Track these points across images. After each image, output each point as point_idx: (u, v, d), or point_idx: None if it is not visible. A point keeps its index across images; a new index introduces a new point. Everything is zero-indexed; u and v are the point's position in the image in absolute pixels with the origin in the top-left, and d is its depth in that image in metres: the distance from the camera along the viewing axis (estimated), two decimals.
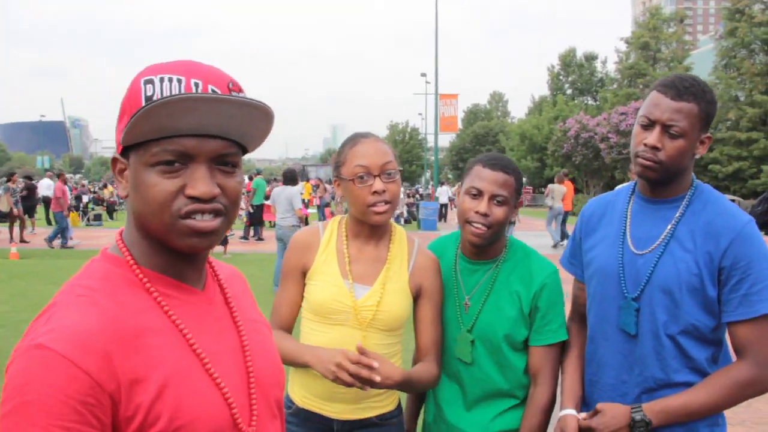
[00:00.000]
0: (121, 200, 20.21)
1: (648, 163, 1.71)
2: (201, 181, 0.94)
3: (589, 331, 1.93)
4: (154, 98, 0.93)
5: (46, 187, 20.76)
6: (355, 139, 1.92)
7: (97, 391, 0.85)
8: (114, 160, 1.02)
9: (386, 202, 1.84)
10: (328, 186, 23.26)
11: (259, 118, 0.97)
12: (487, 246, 1.95)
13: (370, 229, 1.91)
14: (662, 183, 1.77)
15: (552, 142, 36.19)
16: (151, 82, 0.95)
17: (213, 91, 0.95)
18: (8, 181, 17.85)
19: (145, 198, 0.95)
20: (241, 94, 0.98)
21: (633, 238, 1.81)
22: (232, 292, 1.14)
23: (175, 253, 0.99)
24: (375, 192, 1.82)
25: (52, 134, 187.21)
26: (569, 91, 49.15)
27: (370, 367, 1.68)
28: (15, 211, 15.95)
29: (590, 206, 2.03)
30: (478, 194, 1.90)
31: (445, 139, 65.26)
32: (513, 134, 47.75)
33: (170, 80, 0.95)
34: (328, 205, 21.83)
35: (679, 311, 1.71)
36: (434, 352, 1.94)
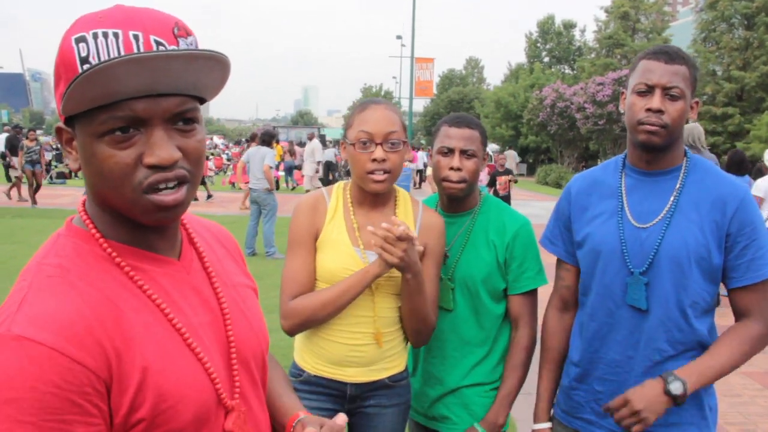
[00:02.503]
0: None
1: (654, 128, 1.71)
2: (159, 147, 0.86)
3: (588, 309, 1.91)
4: (90, 59, 0.84)
5: (3, 142, 19.78)
6: (364, 104, 1.92)
7: (93, 380, 0.81)
8: (58, 129, 0.92)
9: (385, 172, 1.85)
10: (297, 148, 22.76)
11: (214, 67, 0.88)
12: (463, 198, 2.08)
13: (373, 195, 1.92)
14: (664, 150, 1.77)
15: (527, 111, 35.82)
16: (83, 40, 0.84)
17: (157, 43, 0.86)
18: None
19: (100, 172, 0.87)
20: (189, 39, 0.90)
21: (633, 212, 1.81)
22: (213, 255, 1.08)
23: (142, 225, 0.92)
24: (374, 159, 1.83)
25: (10, 87, 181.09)
26: (546, 59, 48.76)
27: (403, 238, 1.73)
28: (26, 171, 14.75)
29: (576, 184, 2.01)
30: (449, 152, 2.03)
31: (419, 104, 64.62)
32: (488, 101, 47.28)
33: (105, 36, 0.84)
34: (298, 167, 21.34)
35: (687, 282, 1.73)
36: (433, 308, 1.97)
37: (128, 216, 0.91)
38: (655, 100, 1.71)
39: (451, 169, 2.01)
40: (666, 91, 1.71)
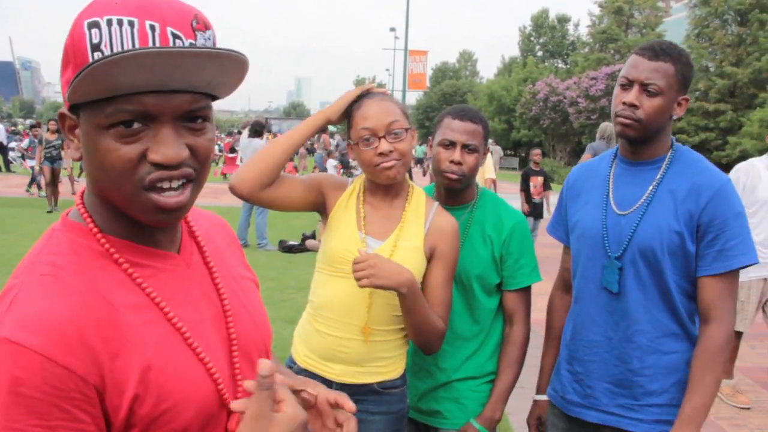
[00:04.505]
0: None
1: (627, 121, 1.78)
2: (166, 145, 0.82)
3: (574, 291, 2.01)
4: (102, 47, 0.79)
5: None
6: (360, 101, 1.89)
7: (81, 385, 0.77)
8: (62, 115, 0.88)
9: (395, 159, 1.82)
10: None
11: (233, 67, 0.83)
12: (461, 191, 2.07)
13: (385, 188, 1.91)
14: (641, 142, 1.83)
15: (520, 105, 35.89)
16: (96, 25, 0.79)
17: (174, 35, 0.81)
18: (32, 127, 15.85)
19: (102, 165, 0.83)
20: (207, 34, 0.85)
21: (616, 199, 1.89)
22: (214, 247, 1.04)
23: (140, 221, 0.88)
24: (380, 153, 1.81)
25: (0, 75, 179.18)
26: (540, 53, 48.73)
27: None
28: (44, 169, 12.61)
29: (574, 173, 2.11)
30: (450, 144, 2.01)
31: (412, 97, 64.46)
32: (481, 94, 47.25)
33: (120, 23, 0.79)
34: (291, 159, 21.35)
35: (662, 268, 1.79)
36: (443, 314, 1.89)
37: (125, 212, 0.87)
38: (631, 95, 1.78)
39: (452, 162, 1.99)
40: (644, 87, 1.77)
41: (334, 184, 1.97)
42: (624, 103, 1.79)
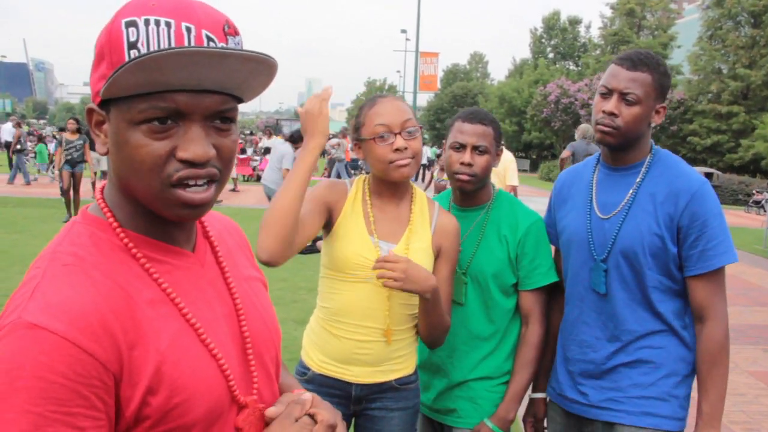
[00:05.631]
0: None
1: (606, 129, 1.85)
2: (195, 143, 0.84)
3: (566, 293, 2.07)
4: (139, 45, 0.81)
5: (7, 132, 19.88)
6: (373, 100, 1.93)
7: (102, 372, 0.78)
8: (90, 110, 0.90)
9: (409, 158, 1.84)
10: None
11: (262, 71, 0.86)
12: (475, 192, 2.10)
13: (392, 189, 1.93)
14: (621, 149, 1.91)
15: (531, 106, 35.80)
16: (134, 24, 0.82)
17: (208, 38, 0.84)
18: (61, 130, 14.70)
19: (131, 160, 0.85)
20: (237, 39, 0.88)
21: (599, 204, 1.96)
22: (225, 248, 1.06)
23: (162, 216, 0.90)
24: (397, 149, 1.82)
25: (13, 77, 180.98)
26: (551, 55, 48.56)
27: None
28: (64, 174, 11.21)
29: (561, 178, 2.19)
30: (460, 147, 2.05)
31: (423, 99, 64.43)
32: (492, 96, 47.19)
33: (157, 24, 0.82)
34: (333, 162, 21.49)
35: (643, 269, 1.85)
36: (446, 308, 1.95)
37: (150, 207, 0.89)
38: (610, 104, 1.84)
39: (462, 164, 2.02)
40: (623, 96, 1.83)
41: (335, 192, 1.93)
42: (604, 112, 1.85)
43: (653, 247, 1.84)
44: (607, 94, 1.87)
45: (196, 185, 0.86)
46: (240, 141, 17.50)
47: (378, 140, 1.83)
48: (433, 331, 1.91)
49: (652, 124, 1.91)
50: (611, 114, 1.84)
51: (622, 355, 1.90)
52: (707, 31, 33.84)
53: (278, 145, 9.48)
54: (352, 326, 1.87)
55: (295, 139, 9.15)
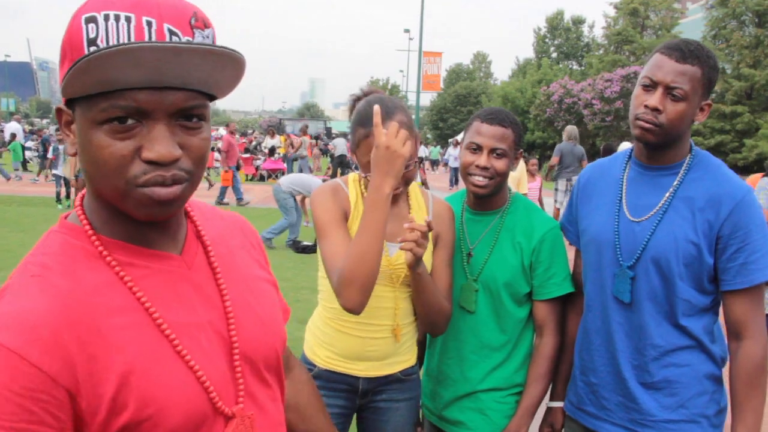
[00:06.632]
0: None
1: (648, 125, 1.69)
2: (159, 142, 0.81)
3: (585, 299, 1.92)
4: (98, 41, 0.79)
5: (13, 130, 19.87)
6: (364, 126, 1.80)
7: (50, 386, 0.76)
8: (58, 110, 0.88)
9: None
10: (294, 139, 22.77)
11: (228, 64, 0.82)
12: (490, 196, 2.00)
13: None
14: (660, 148, 1.75)
15: (535, 106, 35.66)
16: (93, 20, 0.80)
17: (171, 32, 0.81)
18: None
19: (95, 161, 0.83)
20: (206, 32, 0.85)
21: (629, 205, 1.80)
22: (225, 248, 1.03)
23: (137, 219, 0.87)
24: None
25: (17, 76, 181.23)
26: (554, 55, 48.50)
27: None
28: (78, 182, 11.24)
29: (587, 172, 2.02)
30: (477, 149, 1.95)
31: (426, 98, 64.40)
32: (495, 96, 47.08)
33: (116, 19, 0.79)
34: (296, 159, 21.38)
35: (675, 280, 1.70)
36: (447, 294, 1.92)
37: (121, 209, 0.86)
38: (655, 98, 1.67)
39: (478, 167, 1.93)
40: (669, 90, 1.67)
41: (342, 198, 1.89)
42: (646, 106, 1.68)
43: (688, 256, 1.68)
44: (650, 86, 1.69)
45: (163, 184, 0.83)
46: (243, 141, 17.47)
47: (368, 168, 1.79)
48: (430, 313, 1.86)
49: (696, 123, 1.74)
50: (655, 109, 1.67)
51: (645, 373, 1.76)
52: (711, 31, 33.74)
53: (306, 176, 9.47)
54: (360, 324, 1.86)
55: (342, 164, 9.31)
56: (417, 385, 2.01)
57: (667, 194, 1.74)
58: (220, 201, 14.04)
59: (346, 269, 1.65)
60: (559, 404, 2.04)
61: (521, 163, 6.96)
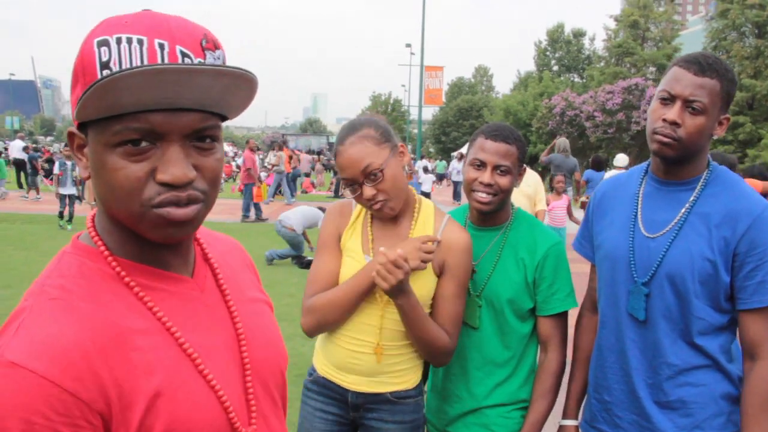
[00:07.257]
0: None
1: (666, 139, 1.66)
2: (174, 165, 0.81)
3: (600, 315, 1.91)
4: (111, 65, 0.79)
5: (17, 149, 19.91)
6: (337, 147, 1.87)
7: (86, 412, 0.76)
8: (70, 134, 0.88)
9: (381, 201, 1.82)
10: (306, 156, 22.85)
11: (241, 86, 0.83)
12: (494, 213, 2.00)
13: None
14: (678, 162, 1.71)
15: (537, 119, 35.73)
16: (105, 43, 0.80)
17: (183, 54, 0.81)
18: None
19: (109, 184, 0.83)
20: (217, 53, 0.85)
21: (645, 221, 1.78)
22: (229, 271, 1.04)
23: (153, 241, 0.87)
24: (366, 199, 1.82)
25: (22, 94, 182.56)
26: (556, 68, 48.65)
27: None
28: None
29: (603, 187, 2.00)
30: (481, 165, 1.94)
31: (428, 112, 64.59)
32: (497, 109, 47.18)
33: (129, 42, 0.79)
34: (307, 175, 21.45)
35: (690, 297, 1.67)
36: (449, 328, 1.88)
37: (134, 230, 0.86)
38: (673, 112, 1.65)
39: (481, 183, 1.92)
40: (688, 103, 1.64)
41: (344, 216, 1.97)
42: (665, 120, 1.65)
43: (703, 273, 1.65)
44: (668, 99, 1.66)
45: (178, 205, 0.83)
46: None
47: (350, 191, 1.83)
48: (422, 346, 1.85)
49: (714, 137, 1.71)
50: (673, 123, 1.64)
51: (660, 391, 1.73)
52: (711, 42, 33.84)
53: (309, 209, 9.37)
54: (347, 337, 1.89)
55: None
56: (415, 410, 1.94)
57: (683, 210, 1.71)
58: (258, 217, 14.21)
59: (315, 302, 1.87)
60: (571, 422, 2.00)
61: (537, 179, 6.49)
